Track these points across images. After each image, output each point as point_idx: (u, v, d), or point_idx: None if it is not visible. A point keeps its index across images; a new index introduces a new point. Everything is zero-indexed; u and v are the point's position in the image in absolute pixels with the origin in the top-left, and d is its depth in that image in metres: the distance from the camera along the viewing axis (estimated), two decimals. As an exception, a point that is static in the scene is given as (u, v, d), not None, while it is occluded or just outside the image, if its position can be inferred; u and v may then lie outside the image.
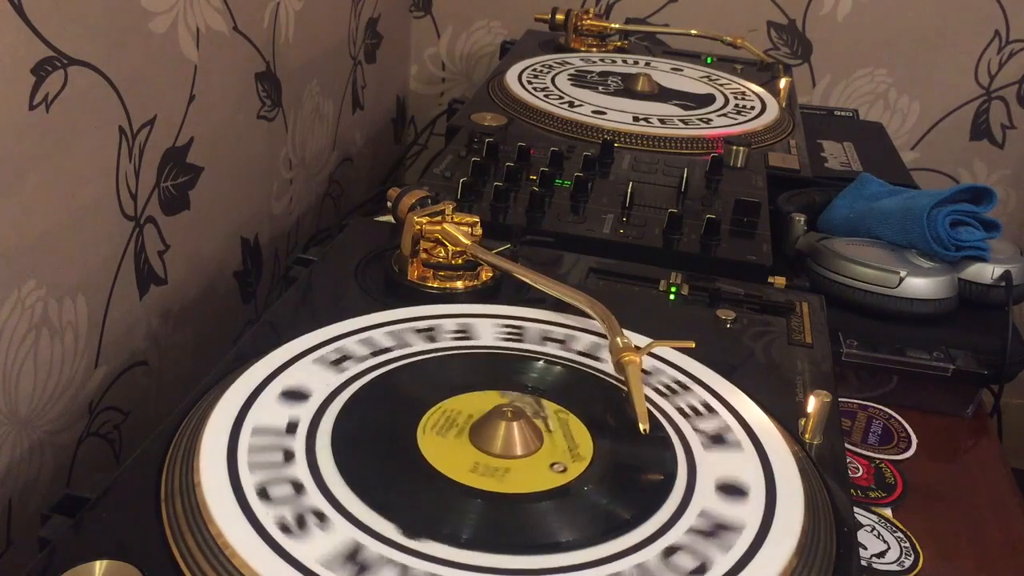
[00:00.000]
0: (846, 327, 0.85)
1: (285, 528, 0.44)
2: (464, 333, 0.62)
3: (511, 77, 1.14)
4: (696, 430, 0.55)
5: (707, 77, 1.24)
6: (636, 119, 1.05)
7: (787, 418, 0.58)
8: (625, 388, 0.56)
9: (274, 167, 1.14)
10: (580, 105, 1.08)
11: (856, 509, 0.59)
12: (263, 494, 0.46)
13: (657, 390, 0.58)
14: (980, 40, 1.54)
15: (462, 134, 0.99)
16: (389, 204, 0.74)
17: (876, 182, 0.99)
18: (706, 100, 1.15)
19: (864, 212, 0.93)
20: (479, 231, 0.70)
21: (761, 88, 1.22)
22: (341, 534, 0.45)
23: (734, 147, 0.98)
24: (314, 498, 0.47)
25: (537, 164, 0.91)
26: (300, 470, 0.48)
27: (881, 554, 0.68)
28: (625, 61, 1.29)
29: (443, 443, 0.51)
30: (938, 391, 0.84)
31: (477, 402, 0.55)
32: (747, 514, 0.48)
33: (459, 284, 0.70)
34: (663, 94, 1.15)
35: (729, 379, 0.60)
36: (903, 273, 0.84)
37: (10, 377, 0.72)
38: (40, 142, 0.71)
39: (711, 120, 1.08)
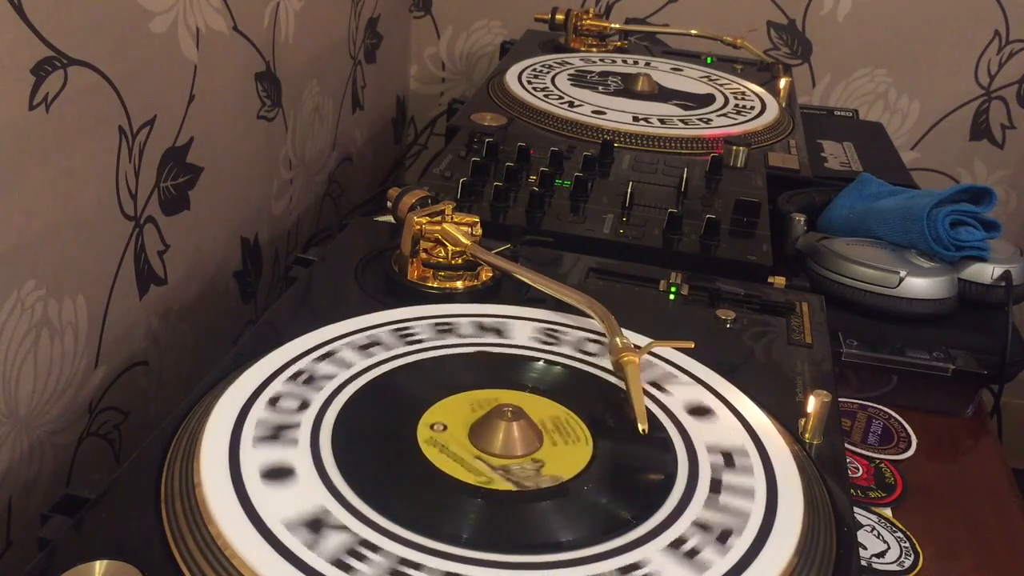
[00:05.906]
0: (846, 327, 0.85)
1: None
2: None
3: (511, 77, 1.14)
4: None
5: (707, 77, 1.24)
6: (636, 119, 1.05)
7: (787, 418, 0.58)
8: (624, 388, 0.56)
9: (274, 167, 1.14)
10: (580, 105, 1.08)
11: (856, 509, 0.59)
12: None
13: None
14: (980, 40, 1.54)
15: (462, 134, 0.99)
16: (389, 204, 0.74)
17: (876, 182, 0.99)
18: (706, 100, 1.15)
19: (864, 212, 0.93)
20: (479, 231, 0.70)
21: (761, 88, 1.22)
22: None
23: (734, 147, 0.98)
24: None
25: (537, 164, 0.91)
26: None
27: (881, 554, 0.68)
28: (625, 61, 1.29)
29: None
30: (938, 391, 0.84)
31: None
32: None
33: (459, 284, 0.70)
34: (663, 94, 1.15)
35: (729, 379, 0.60)
36: (903, 273, 0.84)
37: (10, 377, 0.72)
38: (40, 142, 0.71)
39: (711, 120, 1.08)
